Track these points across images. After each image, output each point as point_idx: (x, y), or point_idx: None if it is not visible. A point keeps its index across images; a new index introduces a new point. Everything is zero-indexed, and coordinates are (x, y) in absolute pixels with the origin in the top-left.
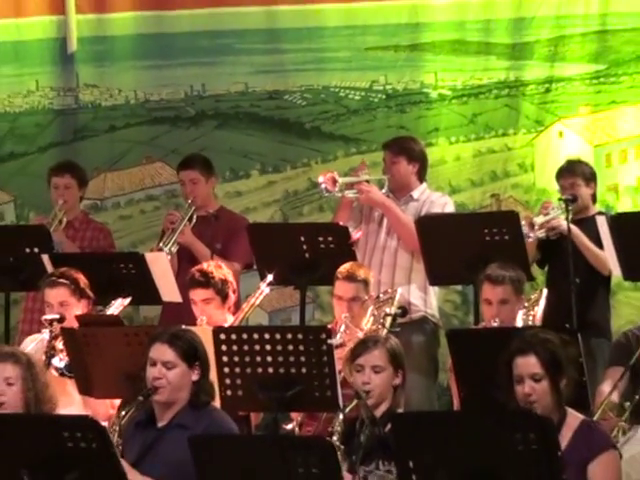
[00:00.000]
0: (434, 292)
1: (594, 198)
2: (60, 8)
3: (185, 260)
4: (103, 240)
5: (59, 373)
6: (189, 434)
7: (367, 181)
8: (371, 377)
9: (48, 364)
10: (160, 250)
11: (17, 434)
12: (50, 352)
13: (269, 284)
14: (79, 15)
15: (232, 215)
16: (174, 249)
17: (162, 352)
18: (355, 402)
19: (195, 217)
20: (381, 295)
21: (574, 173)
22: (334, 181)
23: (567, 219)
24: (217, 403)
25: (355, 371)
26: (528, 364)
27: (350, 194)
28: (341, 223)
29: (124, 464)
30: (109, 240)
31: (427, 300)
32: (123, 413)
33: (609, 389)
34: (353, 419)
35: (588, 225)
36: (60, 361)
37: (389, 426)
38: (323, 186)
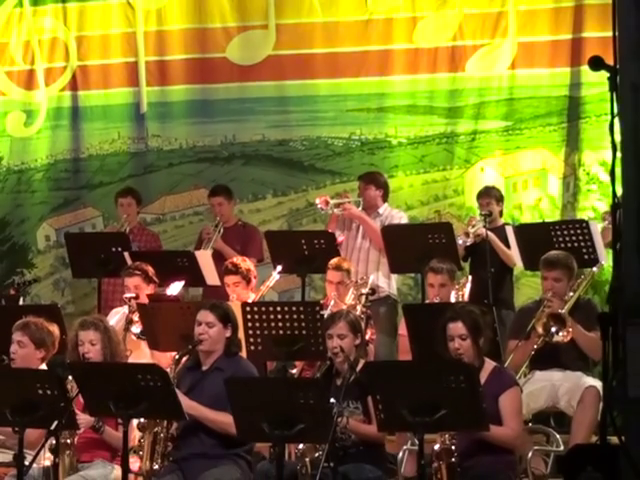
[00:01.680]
0: (394, 278)
1: (501, 214)
2: (135, 82)
3: (216, 260)
4: (154, 242)
5: (136, 337)
6: (224, 375)
7: (349, 202)
8: (338, 342)
9: (127, 329)
10: None
11: (107, 377)
12: (129, 321)
13: (279, 272)
14: (148, 87)
15: (248, 226)
16: (210, 251)
17: (205, 315)
18: (328, 364)
19: (222, 229)
20: (358, 280)
21: (489, 195)
22: (327, 202)
23: (485, 228)
24: (244, 354)
25: (327, 338)
26: (457, 327)
27: (337, 211)
28: (330, 231)
29: (179, 393)
30: (158, 242)
31: (390, 284)
32: (177, 357)
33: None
34: (328, 370)
35: (498, 232)
36: (136, 328)
37: (357, 370)
38: (319, 206)
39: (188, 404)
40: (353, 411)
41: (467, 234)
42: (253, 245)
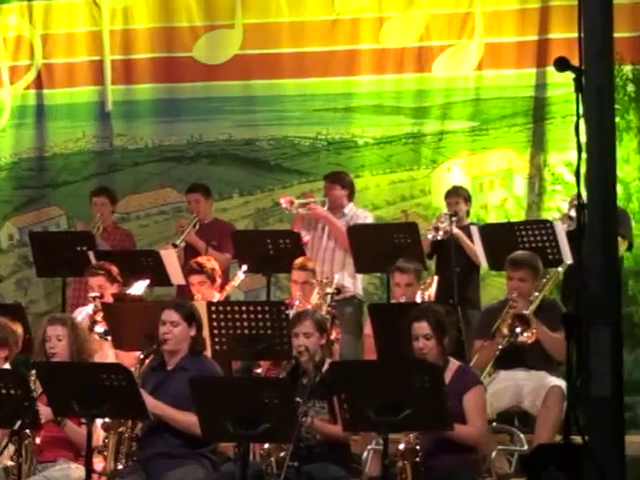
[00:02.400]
0: (360, 278)
1: (468, 213)
2: (100, 81)
3: (189, 254)
4: (127, 241)
5: (100, 336)
6: (189, 375)
7: (314, 202)
8: (304, 341)
9: (91, 329)
10: (175, 246)
11: (71, 376)
12: (93, 320)
13: (244, 272)
14: (113, 86)
15: (223, 223)
16: (182, 244)
17: (170, 315)
18: (293, 362)
19: (198, 225)
20: (323, 280)
21: (458, 194)
22: (291, 202)
23: (451, 226)
24: (209, 353)
25: (293, 337)
26: (421, 327)
27: (302, 211)
28: (295, 230)
29: (144, 393)
30: (132, 241)
31: (355, 284)
32: (142, 357)
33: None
34: (294, 369)
35: (464, 232)
36: (100, 328)
37: (323, 370)
38: (284, 206)
39: (153, 404)
40: (319, 410)
41: (437, 229)
42: (228, 241)
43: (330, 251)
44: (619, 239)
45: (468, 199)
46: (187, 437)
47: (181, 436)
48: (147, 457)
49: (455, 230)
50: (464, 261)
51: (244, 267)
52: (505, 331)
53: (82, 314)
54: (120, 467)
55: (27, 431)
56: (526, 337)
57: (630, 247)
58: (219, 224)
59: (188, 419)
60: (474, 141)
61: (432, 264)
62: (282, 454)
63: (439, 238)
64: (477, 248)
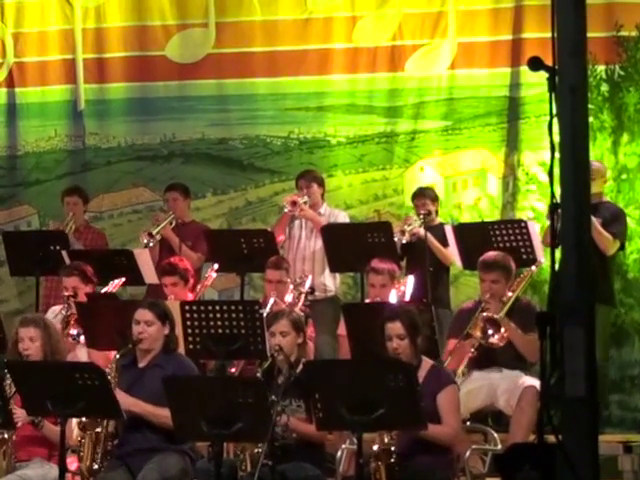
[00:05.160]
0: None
1: (437, 212)
2: (73, 79)
3: (165, 251)
4: (100, 241)
5: (73, 339)
6: (164, 372)
7: (305, 203)
8: (280, 340)
9: (64, 329)
10: (150, 234)
11: (44, 376)
12: (66, 321)
13: (215, 270)
14: (86, 84)
15: (198, 224)
16: (158, 237)
17: (144, 314)
18: (270, 361)
19: (175, 222)
20: (297, 279)
21: (424, 195)
22: (294, 203)
23: (425, 227)
24: (182, 352)
25: (270, 336)
26: (395, 327)
27: (293, 211)
28: (277, 229)
29: (120, 392)
30: (104, 240)
31: (334, 283)
32: (118, 356)
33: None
34: (271, 368)
35: (434, 231)
36: (74, 330)
37: (298, 370)
38: (288, 208)
39: (131, 402)
40: (295, 409)
41: (403, 232)
42: (202, 243)
43: (310, 251)
44: (610, 238)
45: (435, 199)
46: (167, 433)
47: (161, 432)
48: (127, 452)
49: (422, 232)
50: (433, 261)
51: (215, 265)
52: (477, 334)
53: (55, 314)
54: (96, 467)
55: (5, 433)
56: (497, 339)
57: (622, 247)
58: (195, 225)
59: (168, 414)
60: (447, 140)
61: (402, 264)
62: (256, 450)
63: (404, 241)
64: (451, 248)
